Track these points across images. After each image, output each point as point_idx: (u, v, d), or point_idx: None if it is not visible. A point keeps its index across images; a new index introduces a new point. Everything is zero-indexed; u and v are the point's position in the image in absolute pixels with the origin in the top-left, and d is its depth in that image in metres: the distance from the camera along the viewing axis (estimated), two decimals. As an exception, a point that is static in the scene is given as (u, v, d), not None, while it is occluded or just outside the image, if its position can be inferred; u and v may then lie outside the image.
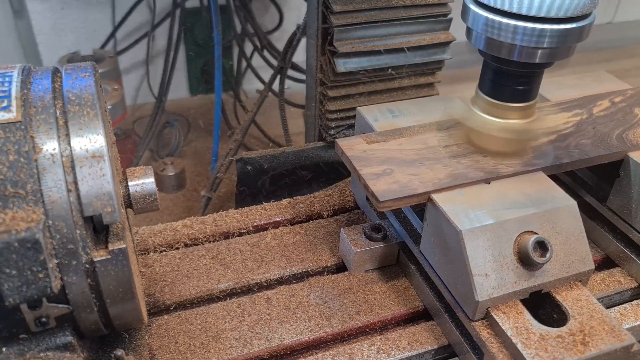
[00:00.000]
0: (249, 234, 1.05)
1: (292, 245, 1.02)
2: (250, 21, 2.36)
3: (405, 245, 0.96)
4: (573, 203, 0.84)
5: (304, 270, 0.98)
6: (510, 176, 0.87)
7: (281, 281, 0.97)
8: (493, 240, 0.79)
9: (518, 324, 0.77)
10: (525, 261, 0.79)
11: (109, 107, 2.07)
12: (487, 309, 0.79)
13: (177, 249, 1.01)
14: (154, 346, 0.84)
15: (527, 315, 0.78)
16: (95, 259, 0.64)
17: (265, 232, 1.05)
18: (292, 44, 1.67)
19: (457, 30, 1.16)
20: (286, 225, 1.07)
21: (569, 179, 1.05)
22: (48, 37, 2.48)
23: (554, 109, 1.01)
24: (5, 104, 0.63)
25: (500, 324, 0.77)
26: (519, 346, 0.74)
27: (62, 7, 2.45)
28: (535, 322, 0.77)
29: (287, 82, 1.93)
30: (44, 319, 0.64)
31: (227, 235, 1.04)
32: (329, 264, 1.00)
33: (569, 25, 0.77)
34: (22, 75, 0.68)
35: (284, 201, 1.11)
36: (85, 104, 0.66)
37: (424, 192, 0.83)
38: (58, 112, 0.65)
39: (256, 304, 0.91)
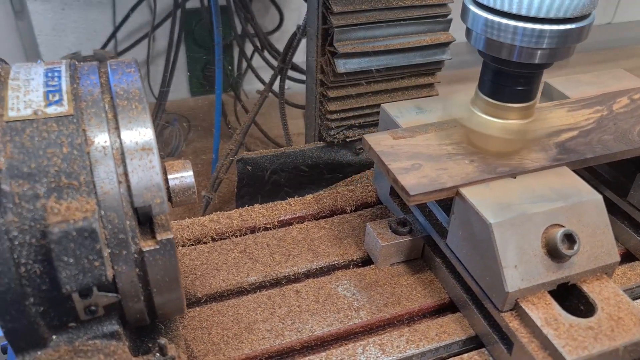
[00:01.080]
0: (274, 228, 1.06)
1: (318, 239, 1.04)
2: (250, 22, 2.37)
3: (430, 239, 0.98)
4: (599, 197, 0.85)
5: (330, 263, 1.00)
6: (536, 171, 0.89)
7: (309, 274, 0.99)
8: (521, 233, 0.80)
9: (547, 314, 0.78)
10: (553, 253, 0.80)
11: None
12: (516, 300, 0.80)
13: (205, 243, 1.02)
14: (188, 337, 0.86)
15: (556, 306, 0.79)
16: (144, 249, 0.65)
17: (290, 226, 1.07)
18: (292, 45, 1.67)
19: (457, 30, 1.18)
20: (311, 220, 1.09)
21: (588, 174, 1.07)
22: (49, 37, 2.49)
23: (575, 106, 1.03)
24: (57, 97, 0.65)
25: (530, 314, 0.78)
26: (550, 336, 0.75)
27: (63, 8, 2.45)
28: (564, 313, 0.78)
29: (288, 83, 1.94)
30: (93, 308, 0.64)
31: (253, 230, 1.05)
32: (355, 258, 1.01)
33: (568, 26, 0.78)
34: (69, 71, 0.69)
35: (308, 196, 1.12)
36: (133, 98, 0.68)
37: (452, 186, 0.85)
38: (107, 106, 0.67)
39: (286, 297, 0.93)
